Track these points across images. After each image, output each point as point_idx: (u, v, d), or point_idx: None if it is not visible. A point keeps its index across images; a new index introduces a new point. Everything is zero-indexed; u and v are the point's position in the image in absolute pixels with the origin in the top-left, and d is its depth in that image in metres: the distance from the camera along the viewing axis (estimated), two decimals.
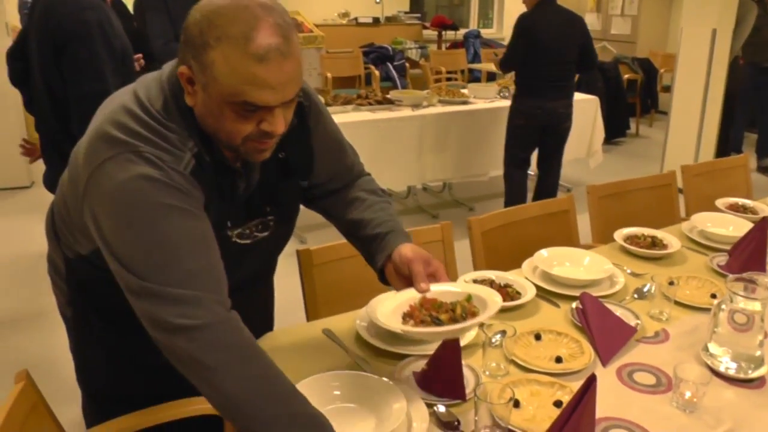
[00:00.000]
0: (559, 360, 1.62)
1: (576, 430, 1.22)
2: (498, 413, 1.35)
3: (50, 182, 2.77)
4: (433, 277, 1.48)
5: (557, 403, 1.45)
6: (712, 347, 1.65)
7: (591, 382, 1.22)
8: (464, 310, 1.42)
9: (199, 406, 1.56)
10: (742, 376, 1.60)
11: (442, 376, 1.47)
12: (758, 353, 1.62)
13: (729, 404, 1.53)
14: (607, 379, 1.59)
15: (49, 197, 1.71)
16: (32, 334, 3.50)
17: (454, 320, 1.39)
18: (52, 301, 1.70)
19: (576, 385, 1.50)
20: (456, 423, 1.41)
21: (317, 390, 1.44)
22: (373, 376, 1.49)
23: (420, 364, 1.54)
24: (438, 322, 1.38)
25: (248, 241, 1.48)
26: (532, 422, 1.40)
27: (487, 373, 1.59)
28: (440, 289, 1.47)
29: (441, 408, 1.44)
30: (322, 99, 1.64)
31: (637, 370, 1.63)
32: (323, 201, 1.68)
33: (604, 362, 1.65)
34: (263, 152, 1.33)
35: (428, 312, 1.41)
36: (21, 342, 3.45)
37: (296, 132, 1.46)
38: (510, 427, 1.37)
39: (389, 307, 1.44)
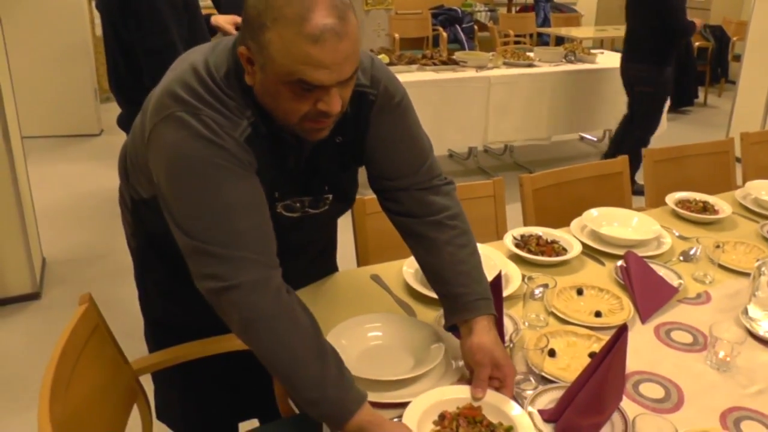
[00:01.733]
0: (598, 314, 1.67)
1: (605, 378, 1.27)
2: (532, 360, 1.41)
3: (123, 123, 2.92)
4: (498, 383, 1.39)
5: (592, 355, 1.51)
6: (752, 310, 1.67)
7: (622, 332, 1.27)
8: None
9: None
10: None
11: None
12: None
13: (763, 366, 1.55)
14: (644, 335, 1.63)
15: (117, 145, 1.81)
16: (104, 267, 3.73)
17: None
18: (121, 239, 1.82)
19: None
20: None
21: (357, 330, 1.53)
22: (413, 318, 1.57)
23: None
24: None
25: (296, 215, 1.52)
26: (566, 371, 1.46)
27: (527, 323, 1.65)
28: (493, 401, 1.34)
29: None
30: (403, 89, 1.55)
31: (675, 328, 1.67)
32: (390, 194, 1.62)
33: (644, 319, 1.69)
34: (320, 131, 1.35)
35: (458, 425, 1.27)
36: (95, 274, 3.68)
37: (353, 121, 1.48)
38: (543, 374, 1.43)
39: (433, 399, 1.33)
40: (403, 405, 1.32)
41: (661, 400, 1.42)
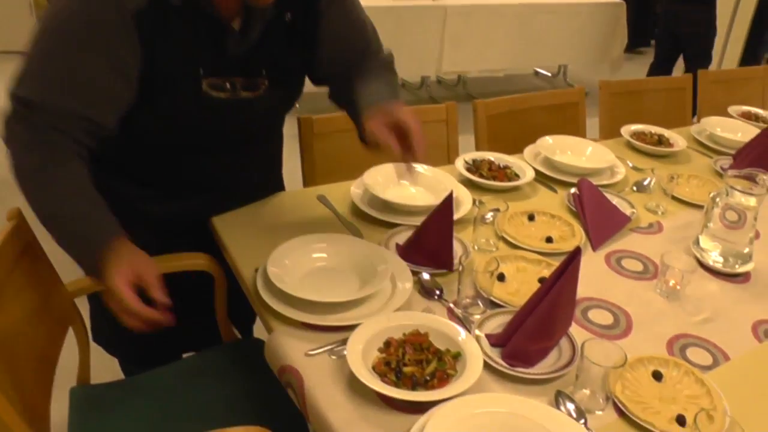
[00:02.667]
0: (549, 240, 1.63)
1: (555, 303, 1.23)
2: (481, 284, 1.36)
3: None
4: (407, 146, 1.40)
5: (542, 281, 1.47)
6: (703, 241, 1.65)
7: (575, 256, 1.23)
8: (435, 372, 1.17)
9: (194, 261, 1.58)
10: (728, 270, 1.61)
11: (431, 245, 1.47)
12: (746, 250, 1.62)
13: (711, 296, 1.54)
14: (595, 262, 1.60)
15: None
16: None
17: (413, 380, 1.16)
18: None
19: None
20: (438, 291, 1.42)
21: (301, 251, 1.45)
22: (360, 239, 1.50)
23: (408, 235, 1.55)
24: (398, 374, 1.16)
25: (224, 95, 1.43)
26: (515, 296, 1.42)
27: (476, 247, 1.60)
28: (439, 327, 1.27)
29: (425, 275, 1.45)
30: None
31: (626, 256, 1.64)
32: (332, 80, 1.64)
33: (595, 246, 1.66)
34: None
35: (404, 353, 1.20)
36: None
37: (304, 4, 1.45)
38: (492, 298, 1.39)
39: (378, 326, 1.26)
40: (348, 329, 1.26)
41: (609, 327, 1.39)
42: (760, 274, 1.64)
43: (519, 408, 1.09)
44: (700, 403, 1.21)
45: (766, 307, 1.52)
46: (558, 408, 1.15)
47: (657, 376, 1.25)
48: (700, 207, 1.90)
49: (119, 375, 1.87)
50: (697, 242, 1.67)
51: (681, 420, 1.16)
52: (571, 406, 1.15)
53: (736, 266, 1.62)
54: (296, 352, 1.23)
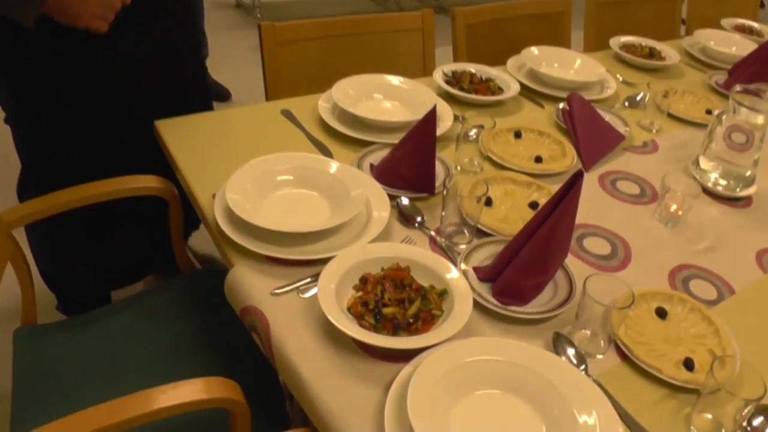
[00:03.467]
0: (538, 160, 1.48)
1: (553, 233, 1.09)
2: (467, 210, 1.21)
3: None
4: None
5: (533, 205, 1.33)
6: (703, 162, 1.52)
7: (577, 179, 1.08)
8: (418, 312, 1.03)
9: (146, 183, 1.40)
10: (728, 193, 1.49)
11: (410, 166, 1.31)
12: (749, 173, 1.50)
13: (712, 222, 1.42)
14: (588, 184, 1.46)
15: None
16: None
17: (394, 323, 1.01)
18: None
19: (555, 187, 1.37)
20: (419, 218, 1.27)
21: (264, 173, 1.28)
22: (329, 159, 1.33)
23: (384, 154, 1.39)
24: (377, 316, 1.01)
25: None
26: (504, 223, 1.27)
27: (459, 168, 1.44)
28: (422, 260, 1.11)
29: (404, 200, 1.30)
30: None
31: (621, 178, 1.50)
32: None
33: (587, 167, 1.51)
34: None
35: (383, 290, 1.05)
36: None
37: None
38: (479, 226, 1.24)
39: (353, 259, 1.10)
40: (319, 263, 1.11)
41: (607, 257, 1.26)
42: (762, 198, 1.52)
43: (516, 355, 0.96)
44: (707, 344, 1.09)
45: None
46: (557, 353, 1.02)
47: (661, 313, 1.13)
48: (695, 125, 1.77)
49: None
50: (696, 163, 1.54)
51: (689, 364, 1.04)
52: (571, 351, 1.03)
53: (738, 190, 1.49)
54: (260, 290, 1.08)
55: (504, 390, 0.94)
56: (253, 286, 1.09)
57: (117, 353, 1.32)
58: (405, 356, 0.97)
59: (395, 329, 1.00)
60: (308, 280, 1.10)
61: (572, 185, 1.08)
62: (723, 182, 1.49)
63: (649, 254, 1.29)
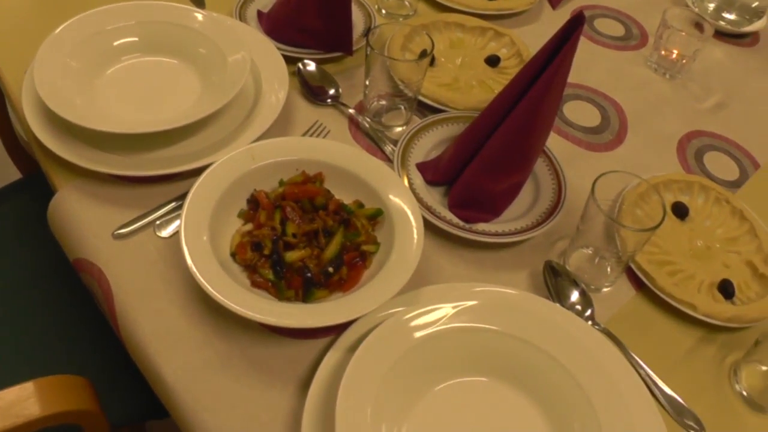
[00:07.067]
0: None
1: (538, 107, 0.70)
2: (401, 74, 0.82)
3: None
4: None
5: (491, 60, 0.95)
6: None
7: (576, 27, 0.69)
8: (341, 252, 0.66)
9: None
10: (733, 29, 1.14)
11: (315, 13, 0.89)
12: (756, 4, 1.14)
13: (718, 67, 1.08)
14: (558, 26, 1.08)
15: None
16: None
17: (305, 277, 0.64)
18: None
19: (518, 33, 1.00)
20: (333, 91, 0.88)
21: (94, 35, 0.84)
22: (192, 8, 0.90)
23: None
24: (277, 267, 0.64)
25: None
26: (455, 90, 0.89)
27: (385, 12, 1.04)
28: (338, 162, 0.73)
29: (310, 65, 0.90)
30: None
31: (599, 15, 1.13)
32: None
33: (555, 2, 1.13)
34: None
35: (284, 220, 0.68)
36: None
37: None
38: (421, 98, 0.86)
39: (234, 171, 0.70)
40: (184, 178, 0.73)
41: (596, 130, 0.92)
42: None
43: (501, 318, 0.62)
44: (742, 251, 0.78)
45: None
46: (551, 294, 0.69)
47: (680, 211, 0.81)
48: None
49: None
50: None
51: (727, 288, 0.73)
52: (574, 294, 0.69)
53: (745, 23, 1.14)
54: (96, 231, 0.69)
55: (491, 376, 0.60)
56: (85, 224, 0.69)
57: None
58: (327, 330, 0.62)
59: (307, 286, 0.63)
60: (169, 207, 0.71)
61: (567, 37, 0.69)
62: (730, 16, 1.14)
63: (649, 120, 0.95)
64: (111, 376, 0.83)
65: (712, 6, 1.15)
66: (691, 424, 0.63)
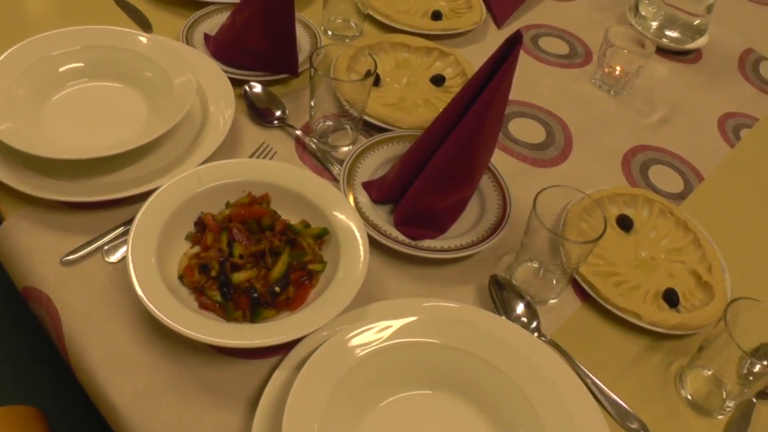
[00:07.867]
0: (437, 16, 1.09)
1: (482, 123, 0.72)
2: (347, 94, 0.83)
3: None
4: None
5: (436, 79, 0.96)
6: (643, 6, 1.19)
7: (514, 45, 0.71)
8: (287, 271, 0.66)
9: None
10: (676, 46, 1.17)
11: (260, 35, 0.89)
12: (698, 22, 1.18)
13: (661, 83, 1.11)
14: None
15: None
16: None
17: (252, 297, 0.64)
18: None
19: (463, 52, 1.02)
20: (280, 112, 0.89)
21: (40, 61, 0.84)
22: (137, 32, 0.90)
23: (223, 19, 0.96)
24: (224, 288, 0.64)
25: None
26: (400, 110, 0.91)
27: (330, 33, 1.05)
28: (285, 183, 0.73)
29: (256, 87, 0.90)
30: None
31: (543, 34, 1.15)
32: None
33: (500, 21, 1.15)
34: None
35: (231, 241, 0.67)
36: None
37: None
38: (367, 117, 0.87)
39: (182, 196, 0.70)
40: (131, 203, 0.72)
41: (542, 146, 0.93)
42: (711, 50, 1.22)
43: (445, 331, 0.62)
44: (686, 260, 0.80)
45: (726, 95, 1.13)
46: (497, 308, 0.70)
47: (625, 223, 0.83)
48: None
49: None
50: (635, 8, 1.20)
51: (671, 297, 0.75)
52: (519, 307, 0.70)
53: (687, 41, 1.17)
54: (44, 259, 0.68)
55: (436, 389, 0.61)
56: (33, 252, 0.69)
57: None
58: (276, 349, 0.62)
59: (255, 306, 0.64)
60: (117, 232, 0.71)
61: (506, 55, 0.71)
62: (673, 34, 1.17)
63: (594, 135, 0.97)
64: (62, 404, 0.82)
65: (655, 24, 1.18)
66: (636, 428, 0.64)
